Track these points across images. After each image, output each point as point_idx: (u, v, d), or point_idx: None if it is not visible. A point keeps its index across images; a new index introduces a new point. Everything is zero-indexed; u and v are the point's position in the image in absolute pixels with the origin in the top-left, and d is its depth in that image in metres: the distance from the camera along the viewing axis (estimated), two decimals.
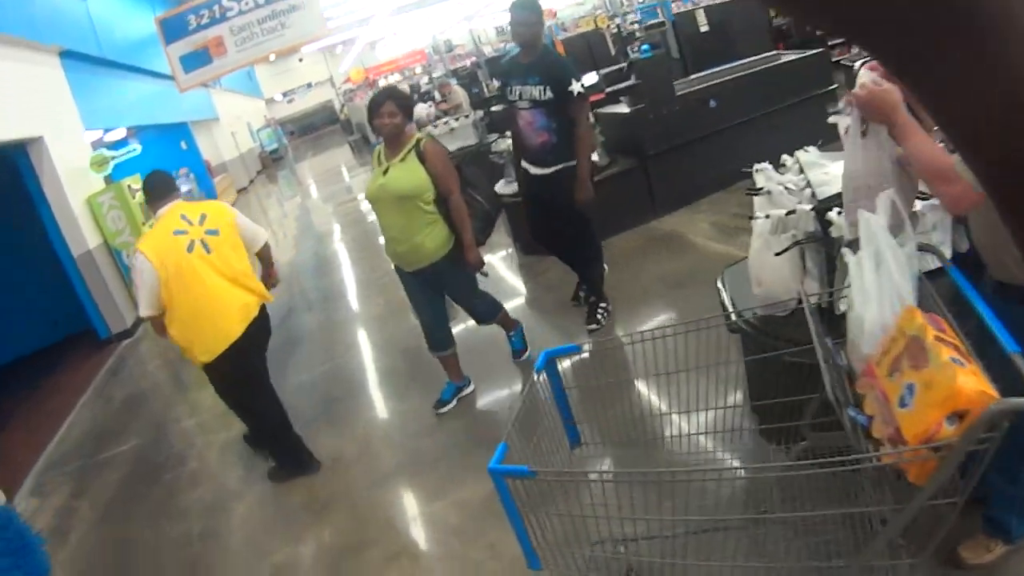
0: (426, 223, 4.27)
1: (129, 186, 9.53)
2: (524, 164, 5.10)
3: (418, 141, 4.28)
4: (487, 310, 4.81)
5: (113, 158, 10.34)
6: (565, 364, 2.72)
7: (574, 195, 4.82)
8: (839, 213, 2.76)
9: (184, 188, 15.39)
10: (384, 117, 4.20)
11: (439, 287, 4.56)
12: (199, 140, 20.07)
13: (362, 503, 4.12)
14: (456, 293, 4.66)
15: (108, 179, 10.13)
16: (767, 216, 3.03)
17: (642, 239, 6.72)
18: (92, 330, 9.26)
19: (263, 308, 4.39)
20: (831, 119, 4.60)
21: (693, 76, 7.36)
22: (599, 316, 5.16)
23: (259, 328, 4.33)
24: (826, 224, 2.90)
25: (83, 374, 8.18)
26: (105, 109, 12.21)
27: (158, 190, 4.28)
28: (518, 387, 4.84)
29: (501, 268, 7.32)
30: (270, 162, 32.54)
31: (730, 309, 3.38)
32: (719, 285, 3.71)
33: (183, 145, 18.48)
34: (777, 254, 2.96)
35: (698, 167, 6.95)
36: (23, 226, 9.26)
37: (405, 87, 19.24)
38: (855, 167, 2.36)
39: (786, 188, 3.18)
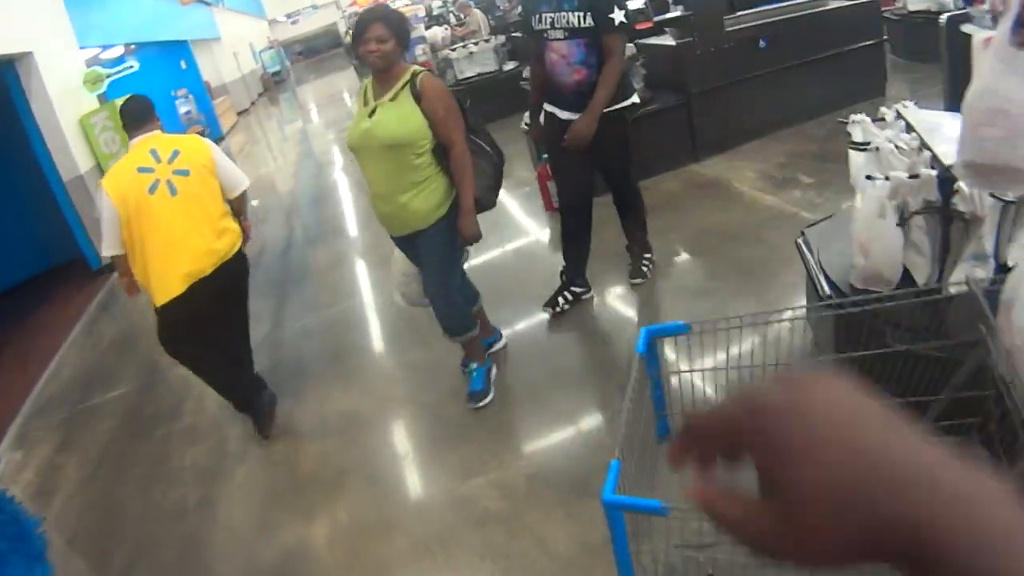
0: (418, 179, 3.43)
1: None
2: (551, 109, 4.32)
3: (414, 75, 3.40)
4: (457, 323, 3.81)
5: (108, 76, 9.80)
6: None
7: (611, 138, 4.16)
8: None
9: (183, 109, 14.82)
10: (371, 43, 3.29)
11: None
12: (200, 60, 19.43)
13: (382, 476, 3.68)
14: (428, 275, 3.68)
15: (102, 98, 9.62)
16: (887, 178, 2.53)
17: (683, 184, 6.21)
18: (83, 259, 8.79)
19: (236, 255, 3.96)
20: (964, 28, 4.04)
21: (741, 13, 6.76)
22: (644, 268, 4.68)
23: (227, 278, 3.91)
24: (950, 194, 2.43)
25: (73, 308, 7.71)
26: (102, 25, 11.59)
27: (133, 119, 3.86)
28: (556, 337, 4.42)
29: (524, 208, 6.76)
30: (272, 84, 32.18)
31: (823, 283, 2.91)
32: (802, 249, 3.23)
33: (183, 65, 17.79)
34: (904, 219, 2.50)
35: (744, 110, 6.47)
36: (10, 148, 8.73)
37: (419, 9, 18.47)
38: (992, 84, 1.87)
39: (896, 147, 2.70)
